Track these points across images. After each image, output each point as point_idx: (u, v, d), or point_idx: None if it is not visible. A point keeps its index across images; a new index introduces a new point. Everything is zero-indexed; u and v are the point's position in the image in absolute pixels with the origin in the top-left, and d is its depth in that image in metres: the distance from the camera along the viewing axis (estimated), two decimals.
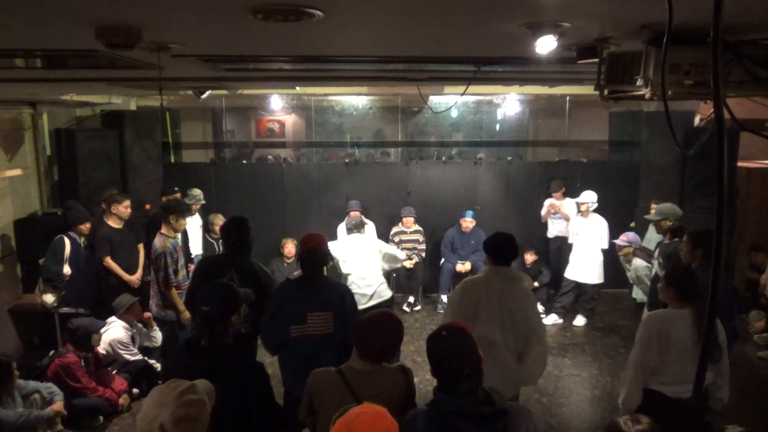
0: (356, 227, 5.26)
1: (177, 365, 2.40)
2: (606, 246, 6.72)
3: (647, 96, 2.18)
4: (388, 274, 5.32)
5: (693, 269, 3.48)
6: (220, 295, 2.49)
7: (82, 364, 4.65)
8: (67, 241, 5.39)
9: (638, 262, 5.58)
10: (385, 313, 2.55)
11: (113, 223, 5.65)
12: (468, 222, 7.28)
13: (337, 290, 3.41)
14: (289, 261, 7.21)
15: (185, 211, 5.19)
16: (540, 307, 7.26)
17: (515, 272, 3.54)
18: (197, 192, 6.76)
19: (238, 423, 2.33)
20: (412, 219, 7.29)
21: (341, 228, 7.31)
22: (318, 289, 3.35)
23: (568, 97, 8.40)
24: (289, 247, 7.23)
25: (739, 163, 7.05)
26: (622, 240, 5.78)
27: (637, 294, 6.65)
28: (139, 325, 5.49)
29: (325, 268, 3.59)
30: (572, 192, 7.30)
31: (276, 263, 7.19)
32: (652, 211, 5.76)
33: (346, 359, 2.51)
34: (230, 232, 3.91)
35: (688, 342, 3.06)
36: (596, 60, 2.45)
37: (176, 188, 6.55)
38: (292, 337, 3.27)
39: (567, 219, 7.20)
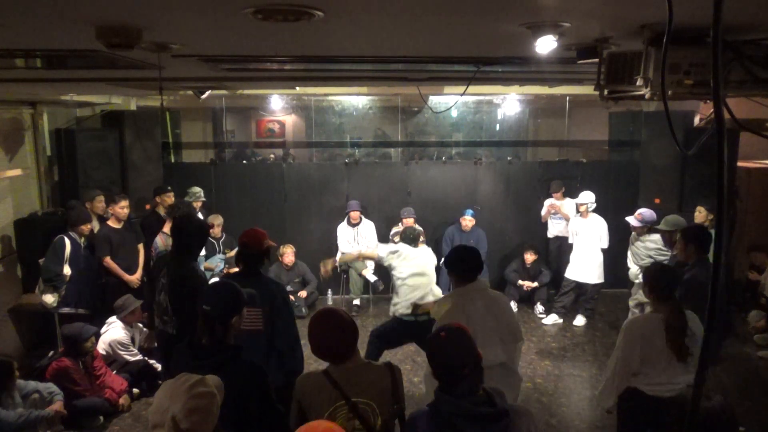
0: (414, 239, 5.18)
1: (178, 364, 2.39)
2: (606, 246, 6.71)
3: (647, 96, 2.18)
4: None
5: (670, 268, 3.51)
6: (222, 296, 2.46)
7: (80, 366, 4.64)
8: (67, 241, 5.39)
9: (653, 237, 5.48)
10: (332, 312, 2.48)
11: (112, 223, 5.65)
12: (467, 220, 7.27)
13: (270, 288, 3.37)
14: (289, 268, 7.16)
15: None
16: (540, 307, 7.29)
17: (481, 283, 3.39)
18: (197, 189, 6.76)
19: (238, 423, 2.33)
20: (412, 220, 7.27)
21: (341, 228, 7.33)
22: (251, 286, 3.23)
23: (568, 97, 8.40)
24: (288, 254, 7.14)
25: (739, 163, 7.04)
26: (637, 219, 5.62)
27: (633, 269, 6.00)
28: (140, 325, 5.49)
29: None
30: (572, 192, 7.29)
31: (275, 271, 7.06)
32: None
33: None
34: (177, 231, 3.72)
35: (662, 344, 3.14)
36: (596, 60, 2.45)
37: (169, 188, 6.48)
38: None
39: (567, 219, 7.19)
